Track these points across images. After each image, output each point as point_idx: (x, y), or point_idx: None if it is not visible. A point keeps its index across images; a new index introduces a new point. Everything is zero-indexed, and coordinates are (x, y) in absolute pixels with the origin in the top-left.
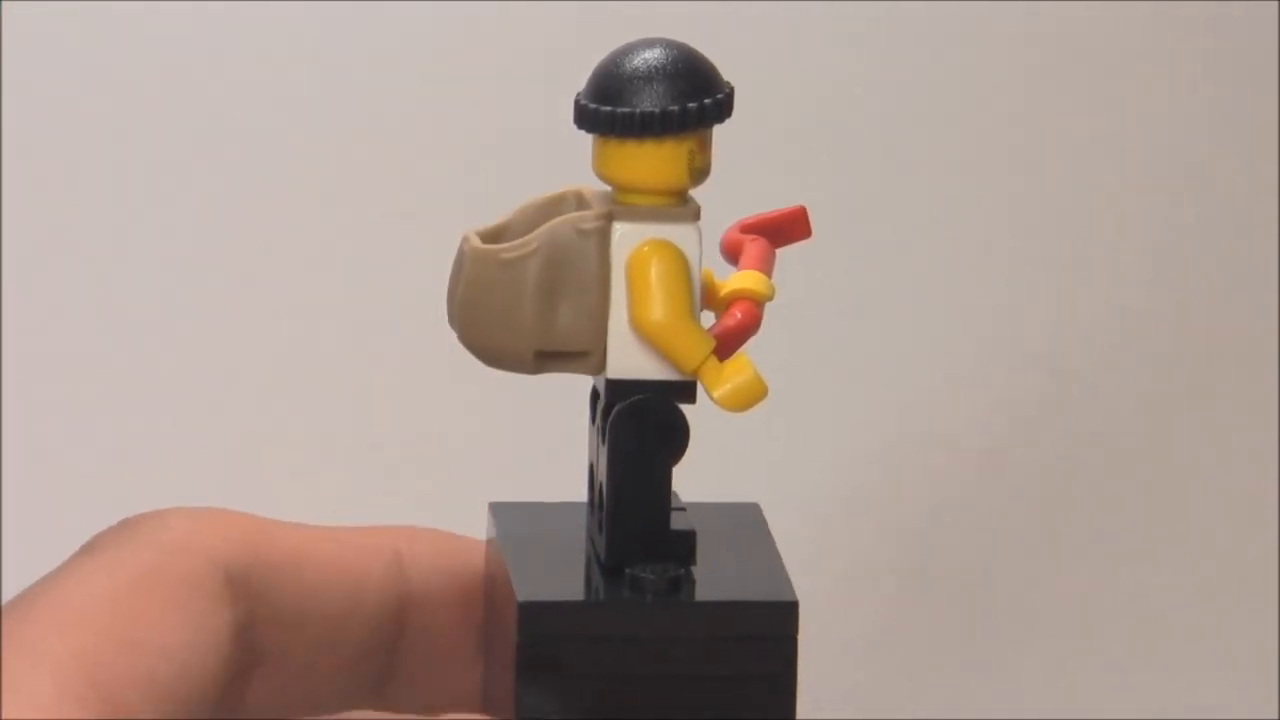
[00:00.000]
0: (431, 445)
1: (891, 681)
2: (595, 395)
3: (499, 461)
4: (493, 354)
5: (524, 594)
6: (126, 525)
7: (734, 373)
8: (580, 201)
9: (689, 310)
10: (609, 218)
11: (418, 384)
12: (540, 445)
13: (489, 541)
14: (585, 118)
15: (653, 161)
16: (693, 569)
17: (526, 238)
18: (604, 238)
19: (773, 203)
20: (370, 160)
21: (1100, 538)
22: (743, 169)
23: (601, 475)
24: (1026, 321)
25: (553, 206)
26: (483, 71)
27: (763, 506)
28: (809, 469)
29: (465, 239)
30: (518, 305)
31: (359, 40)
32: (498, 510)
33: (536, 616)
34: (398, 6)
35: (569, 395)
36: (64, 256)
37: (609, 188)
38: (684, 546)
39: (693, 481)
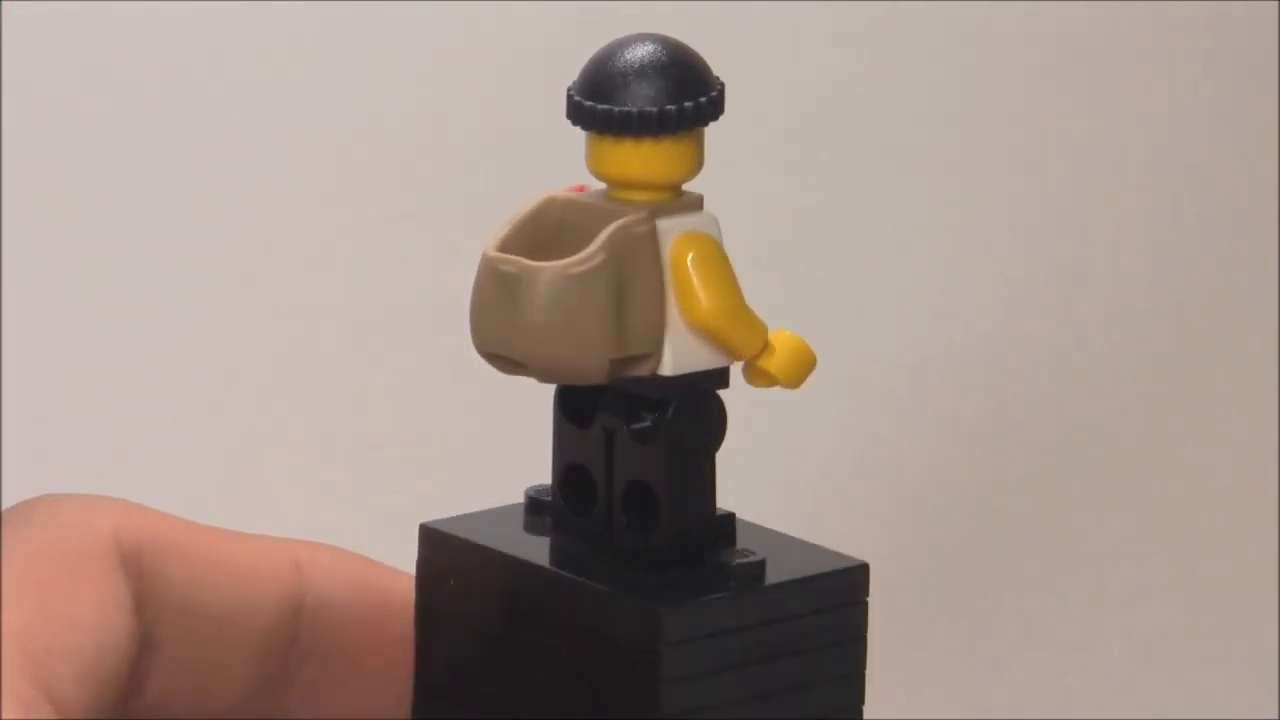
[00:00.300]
0: (431, 445)
1: (891, 682)
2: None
3: (499, 461)
4: (564, 370)
5: (649, 603)
6: (18, 509)
7: (787, 348)
8: (567, 206)
9: (742, 296)
10: (651, 217)
11: (418, 384)
12: (541, 445)
13: (422, 563)
14: (581, 115)
15: (652, 158)
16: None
17: (589, 250)
18: (654, 237)
19: (772, 202)
20: (370, 160)
21: (1100, 538)
22: (742, 169)
23: (635, 474)
24: (1026, 321)
25: (540, 217)
26: (483, 71)
27: (759, 507)
28: (808, 469)
29: (509, 261)
30: (594, 318)
31: (359, 40)
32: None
33: (680, 623)
34: (398, 6)
35: None
36: (64, 256)
37: (593, 188)
38: (728, 530)
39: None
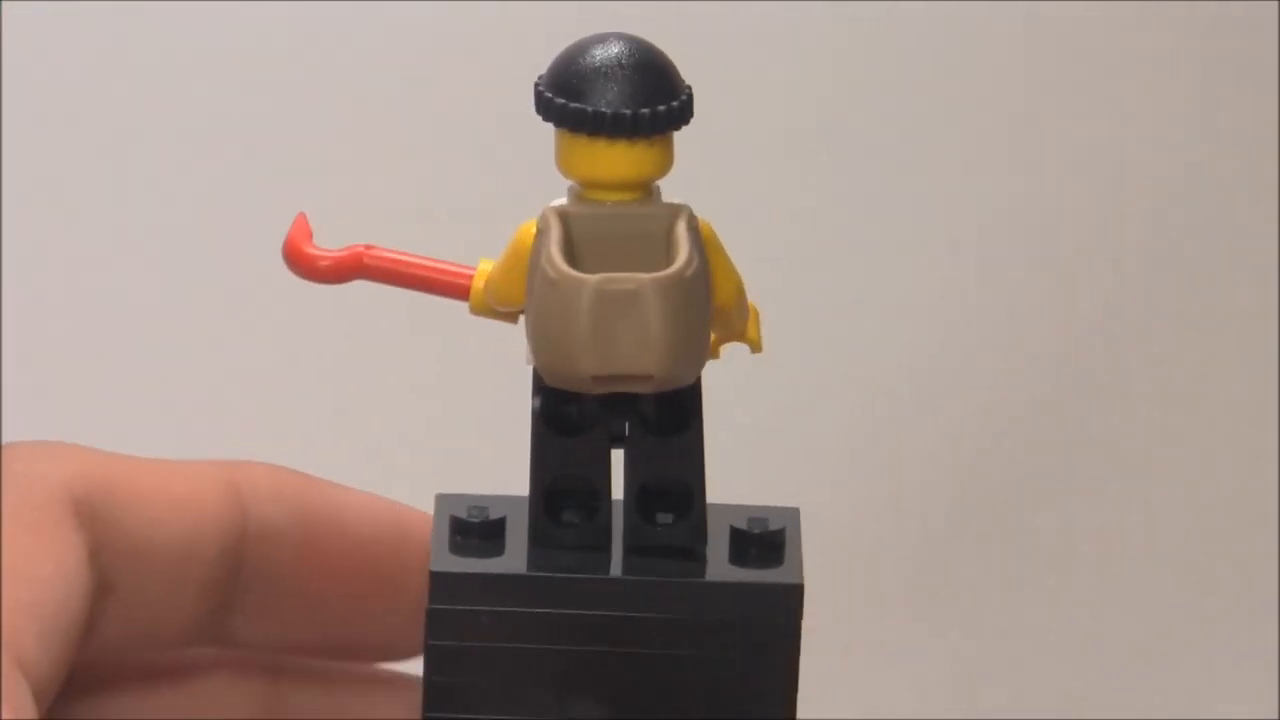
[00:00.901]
0: (432, 445)
1: (891, 682)
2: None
3: (497, 461)
4: (685, 376)
5: (781, 579)
6: None
7: (754, 316)
8: (579, 219)
9: None
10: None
11: (418, 384)
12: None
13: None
14: (550, 110)
15: (644, 157)
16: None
17: (685, 253)
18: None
19: (771, 202)
20: (370, 160)
21: (1100, 538)
22: (743, 167)
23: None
24: (1026, 321)
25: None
26: (482, 71)
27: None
28: (806, 469)
29: (624, 279)
30: (706, 318)
31: (358, 40)
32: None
33: (791, 595)
34: (398, 7)
35: None
36: (64, 256)
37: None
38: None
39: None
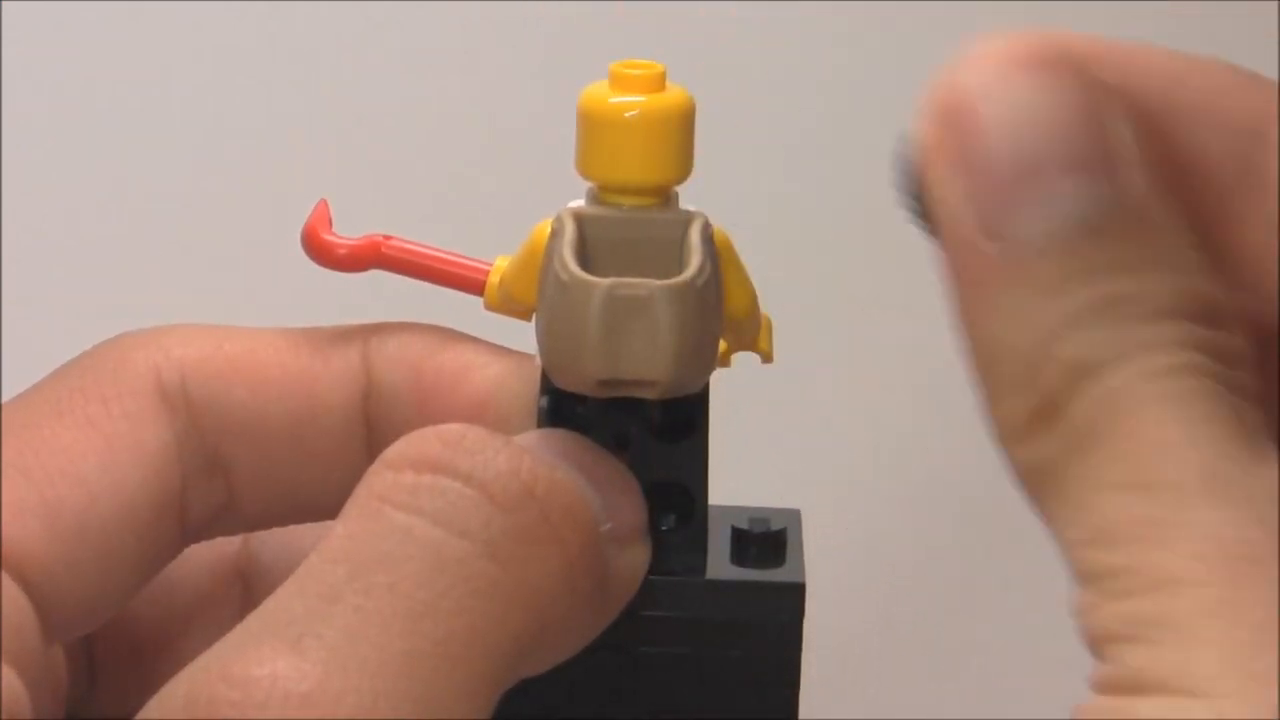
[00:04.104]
0: None
1: (890, 682)
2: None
3: None
4: (693, 382)
5: (783, 578)
6: (84, 352)
7: (766, 326)
8: (595, 223)
9: None
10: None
11: None
12: None
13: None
14: None
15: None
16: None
17: (697, 261)
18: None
19: (770, 202)
20: (370, 160)
21: None
22: (740, 169)
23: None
24: None
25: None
26: (483, 71)
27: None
28: (805, 469)
29: (634, 284)
30: (716, 326)
31: (359, 40)
32: None
33: (792, 594)
34: (399, 7)
35: None
36: (64, 256)
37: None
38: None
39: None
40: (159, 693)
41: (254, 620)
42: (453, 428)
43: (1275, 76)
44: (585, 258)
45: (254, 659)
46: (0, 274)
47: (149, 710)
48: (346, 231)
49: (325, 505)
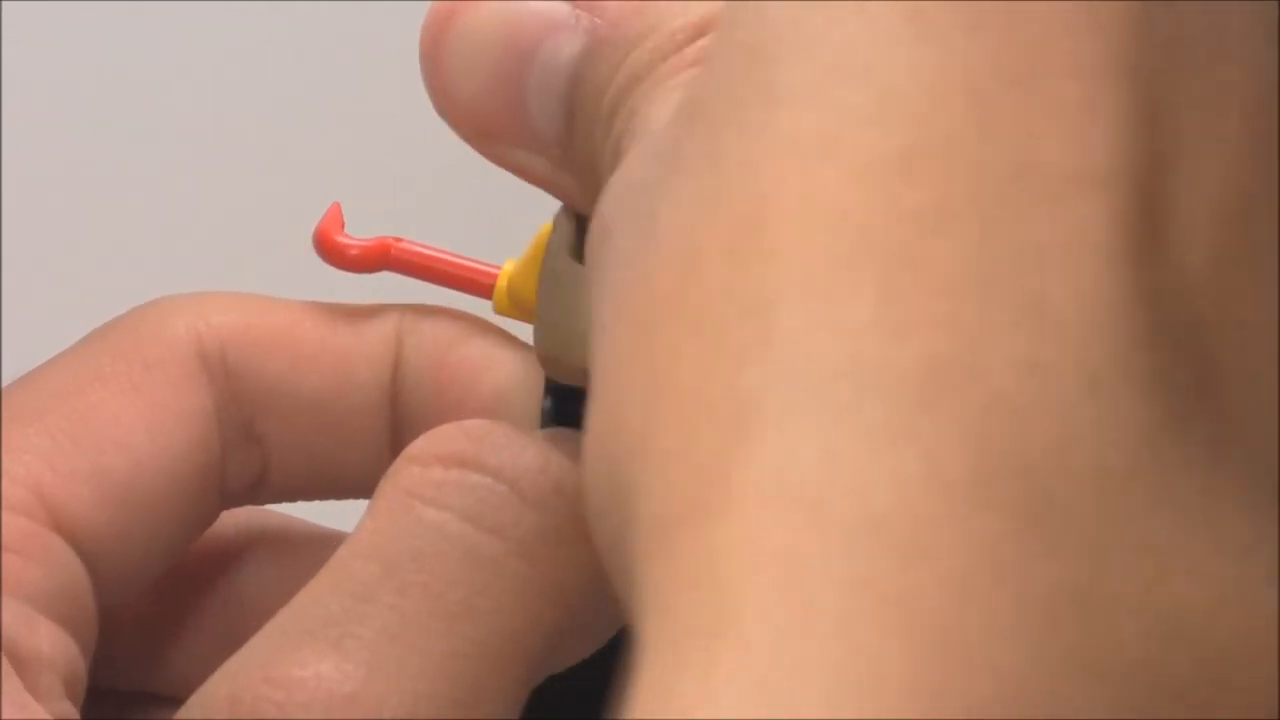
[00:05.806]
0: None
1: None
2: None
3: None
4: None
5: None
6: (122, 315)
7: None
8: (577, 218)
9: None
10: None
11: None
12: None
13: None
14: None
15: None
16: None
17: None
18: None
19: None
20: (382, 162)
21: None
22: None
23: None
24: None
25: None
26: None
27: None
28: None
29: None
30: None
31: (373, 41)
32: None
33: None
34: (413, 7)
35: None
36: (69, 257)
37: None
38: None
39: None
40: (198, 692)
41: (289, 619)
42: (478, 423)
43: (1275, 76)
44: (580, 253)
45: (295, 660)
46: (1, 274)
47: (189, 710)
48: (358, 233)
49: (347, 482)
